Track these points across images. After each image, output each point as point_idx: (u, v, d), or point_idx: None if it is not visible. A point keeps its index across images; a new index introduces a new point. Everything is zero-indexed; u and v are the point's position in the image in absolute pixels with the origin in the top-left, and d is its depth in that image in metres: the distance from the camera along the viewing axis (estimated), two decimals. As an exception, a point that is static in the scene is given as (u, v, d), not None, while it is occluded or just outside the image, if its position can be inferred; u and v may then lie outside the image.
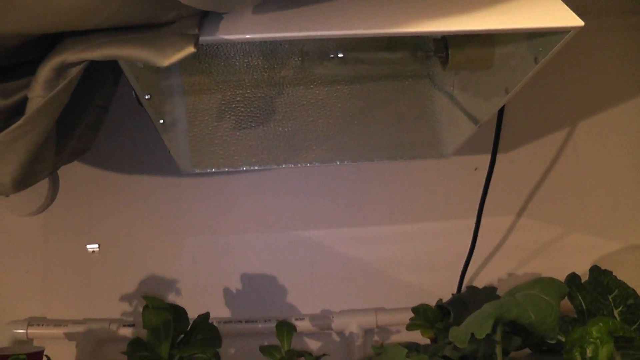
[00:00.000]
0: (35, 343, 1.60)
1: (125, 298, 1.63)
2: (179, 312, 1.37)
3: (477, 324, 1.11)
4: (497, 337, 1.19)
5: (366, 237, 1.68)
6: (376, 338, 1.63)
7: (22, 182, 0.97)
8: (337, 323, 1.59)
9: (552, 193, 1.74)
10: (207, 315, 1.40)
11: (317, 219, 1.69)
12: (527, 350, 1.42)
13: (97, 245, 1.66)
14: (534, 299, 1.14)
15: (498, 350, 1.20)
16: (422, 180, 1.72)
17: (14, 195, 1.65)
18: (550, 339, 1.14)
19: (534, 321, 1.11)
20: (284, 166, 1.37)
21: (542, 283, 1.19)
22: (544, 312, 1.11)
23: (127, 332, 1.56)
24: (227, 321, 1.58)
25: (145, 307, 1.33)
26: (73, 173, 1.67)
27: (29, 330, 1.58)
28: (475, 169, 1.73)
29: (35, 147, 0.89)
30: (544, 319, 1.11)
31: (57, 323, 1.60)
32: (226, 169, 1.36)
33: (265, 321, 1.58)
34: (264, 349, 1.44)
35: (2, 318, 1.61)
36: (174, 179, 1.68)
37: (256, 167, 1.36)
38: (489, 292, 1.44)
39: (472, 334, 1.10)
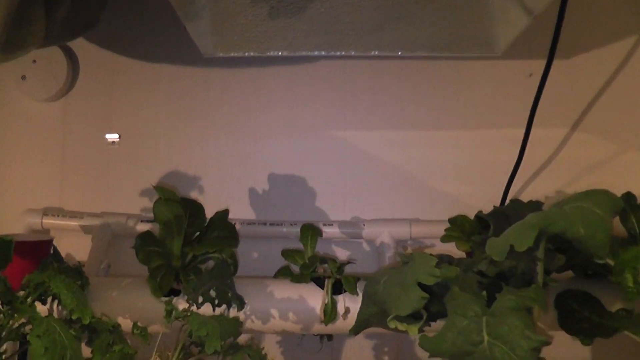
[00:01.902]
0: (51, 234, 1.53)
1: (145, 193, 1.55)
2: (195, 208, 1.28)
3: (518, 234, 0.98)
4: (539, 253, 1.06)
5: (405, 142, 1.55)
6: (409, 250, 1.52)
7: (10, 45, 0.87)
8: (367, 232, 1.48)
9: (611, 106, 1.56)
10: (225, 212, 1.30)
11: (352, 119, 1.55)
12: (569, 274, 1.30)
13: (117, 136, 1.57)
14: (584, 212, 1.00)
15: (539, 268, 1.07)
16: (471, 84, 1.56)
17: (30, 77, 1.55)
18: (599, 258, 1.00)
19: (583, 236, 0.97)
20: (316, 53, 1.23)
21: (595, 195, 1.04)
22: (595, 227, 0.98)
23: (144, 227, 1.49)
24: (251, 222, 1.48)
25: (158, 200, 1.23)
26: (93, 58, 1.57)
27: (43, 220, 1.52)
28: (530, 75, 1.56)
29: (13, 3, 0.78)
30: (594, 234, 0.97)
31: (73, 215, 1.53)
32: (251, 53, 1.23)
33: (292, 225, 1.47)
34: (286, 253, 1.34)
35: (18, 206, 1.54)
36: (202, 71, 1.56)
37: (285, 53, 1.22)
38: (534, 207, 1.30)
39: (512, 247, 0.97)
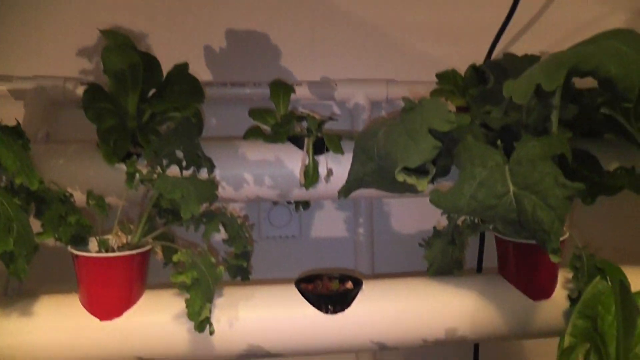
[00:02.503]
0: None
1: (84, 53, 1.34)
2: (149, 61, 1.09)
3: (547, 73, 0.86)
4: (556, 100, 0.95)
5: (381, -5, 1.39)
6: (384, 113, 1.39)
7: None
8: (340, 93, 1.33)
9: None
10: (185, 65, 1.12)
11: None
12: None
13: (48, -13, 1.33)
14: (617, 51, 0.88)
15: (554, 116, 0.96)
16: None
17: None
18: (628, 100, 0.90)
19: (614, 75, 0.86)
20: None
21: (622, 34, 0.93)
22: (628, 66, 0.86)
23: (85, 91, 1.28)
24: (208, 84, 1.30)
25: (107, 47, 1.04)
26: None
27: (-35, 82, 1.30)
28: None
29: None
30: (627, 74, 0.86)
31: (0, 78, 1.31)
32: None
33: (256, 85, 1.30)
34: (255, 112, 1.19)
35: None
36: None
37: None
38: (532, 60, 1.18)
39: (539, 86, 0.85)
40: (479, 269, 1.35)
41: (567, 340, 0.91)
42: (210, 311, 0.92)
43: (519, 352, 1.44)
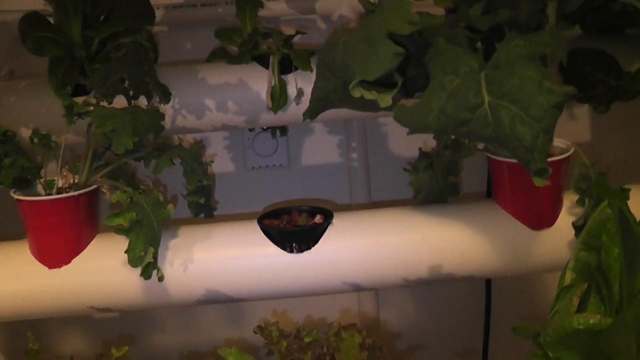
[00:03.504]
0: None
1: (45, -19, 1.23)
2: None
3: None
4: (553, -9, 0.79)
5: None
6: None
7: None
8: (322, 4, 1.18)
9: None
10: (133, -18, 1.00)
11: None
12: (576, 31, 1.05)
13: None
14: None
15: (550, 9, 0.80)
16: None
17: None
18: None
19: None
20: None
21: None
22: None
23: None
24: (177, 6, 1.18)
25: (42, -32, 0.92)
26: None
27: None
28: None
29: None
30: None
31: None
32: None
33: (228, 4, 1.17)
34: (220, 33, 1.08)
35: None
36: None
37: None
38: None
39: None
40: (489, 194, 1.21)
41: (569, 276, 0.77)
42: (155, 255, 0.81)
43: (537, 286, 1.31)
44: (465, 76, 0.72)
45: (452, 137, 0.84)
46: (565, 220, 0.87)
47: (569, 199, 0.88)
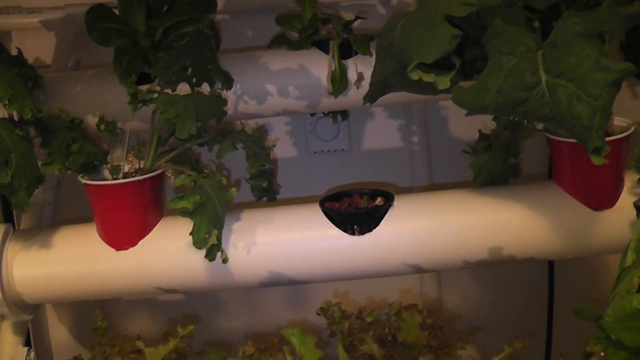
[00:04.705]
0: (12, 36, 1.32)
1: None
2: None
3: None
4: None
5: None
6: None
7: None
8: (381, -12, 1.19)
9: None
10: (194, -26, 1.02)
11: None
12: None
13: None
14: None
15: (612, -14, 0.79)
16: None
17: None
18: None
19: None
20: None
21: None
22: None
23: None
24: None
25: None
26: None
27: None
28: None
29: None
30: None
31: (31, 11, 1.28)
32: None
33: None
34: (281, 19, 1.10)
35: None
36: None
37: None
38: None
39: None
40: (551, 175, 1.19)
41: (630, 257, 0.76)
42: (219, 237, 0.84)
43: (601, 268, 1.28)
44: (522, 56, 0.71)
45: (511, 117, 0.84)
46: (626, 201, 0.85)
47: (630, 178, 0.87)
